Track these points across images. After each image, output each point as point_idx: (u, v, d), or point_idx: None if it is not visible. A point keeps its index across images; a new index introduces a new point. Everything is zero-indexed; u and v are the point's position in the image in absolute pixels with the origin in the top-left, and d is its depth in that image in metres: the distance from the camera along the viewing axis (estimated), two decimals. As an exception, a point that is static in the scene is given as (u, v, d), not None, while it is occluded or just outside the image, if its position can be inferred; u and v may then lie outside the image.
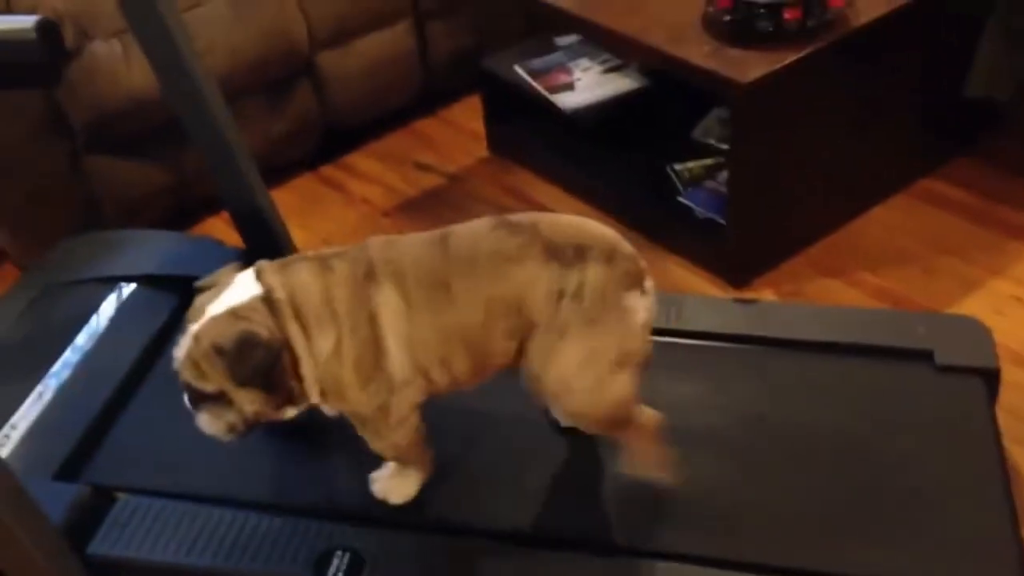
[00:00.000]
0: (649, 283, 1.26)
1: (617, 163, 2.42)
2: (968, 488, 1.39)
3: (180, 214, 2.42)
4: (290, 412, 1.29)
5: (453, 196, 2.50)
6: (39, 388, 1.62)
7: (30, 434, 1.54)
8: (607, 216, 2.35)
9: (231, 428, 1.26)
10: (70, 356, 1.67)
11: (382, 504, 1.41)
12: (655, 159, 2.38)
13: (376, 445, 1.36)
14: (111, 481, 1.46)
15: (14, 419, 1.57)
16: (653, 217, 2.28)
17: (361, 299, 1.22)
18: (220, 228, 2.40)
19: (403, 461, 1.40)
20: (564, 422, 1.45)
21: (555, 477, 1.45)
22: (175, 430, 1.54)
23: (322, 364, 1.23)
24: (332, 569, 1.32)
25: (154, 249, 1.90)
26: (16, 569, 1.27)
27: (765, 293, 2.08)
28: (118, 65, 2.16)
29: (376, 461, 1.42)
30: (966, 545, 1.32)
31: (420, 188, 2.55)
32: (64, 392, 1.61)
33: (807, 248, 2.18)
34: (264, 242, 1.88)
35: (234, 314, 1.19)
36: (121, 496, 1.43)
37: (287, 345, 1.21)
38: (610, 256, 1.22)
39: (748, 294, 2.07)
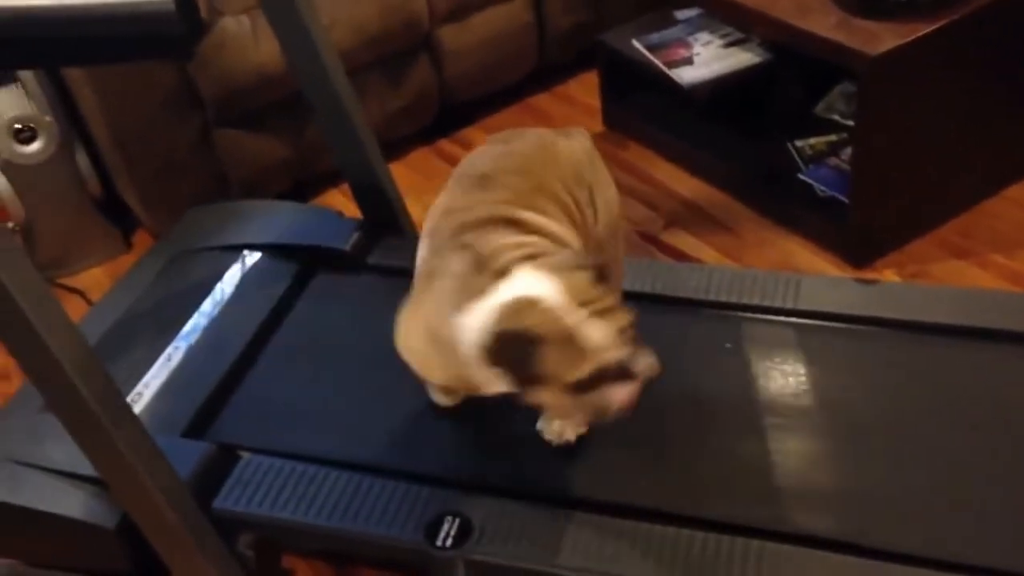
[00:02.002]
0: None
1: (736, 139, 2.37)
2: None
3: (301, 186, 2.49)
4: None
5: (567, 171, 2.49)
6: (169, 350, 1.70)
7: (161, 393, 1.62)
8: (726, 193, 2.31)
9: None
10: (198, 320, 1.75)
11: (492, 472, 1.44)
12: (776, 135, 2.32)
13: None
14: (236, 440, 1.52)
15: (146, 379, 1.65)
16: (773, 195, 2.22)
17: None
18: (339, 200, 2.45)
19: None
20: None
21: (665, 448, 1.44)
22: (296, 393, 1.61)
23: None
24: (442, 534, 1.34)
25: (277, 219, 1.96)
26: (146, 520, 1.35)
27: (888, 274, 2.01)
28: (247, 40, 2.23)
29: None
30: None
31: (535, 163, 2.54)
32: (193, 354, 1.68)
33: (935, 228, 2.09)
34: (382, 214, 1.93)
35: None
36: (245, 455, 1.49)
37: None
38: None
39: (870, 275, 2.00)
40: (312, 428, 1.53)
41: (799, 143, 2.28)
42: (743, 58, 2.35)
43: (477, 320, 1.17)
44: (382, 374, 1.62)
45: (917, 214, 2.09)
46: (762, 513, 1.34)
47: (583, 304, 1.15)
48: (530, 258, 1.21)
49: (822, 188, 2.15)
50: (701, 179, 2.37)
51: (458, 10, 2.51)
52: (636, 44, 2.45)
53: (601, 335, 1.14)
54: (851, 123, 2.14)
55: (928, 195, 2.09)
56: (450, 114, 2.68)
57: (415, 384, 1.61)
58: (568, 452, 1.44)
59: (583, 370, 1.13)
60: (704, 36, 2.43)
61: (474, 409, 1.54)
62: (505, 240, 1.25)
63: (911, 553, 1.26)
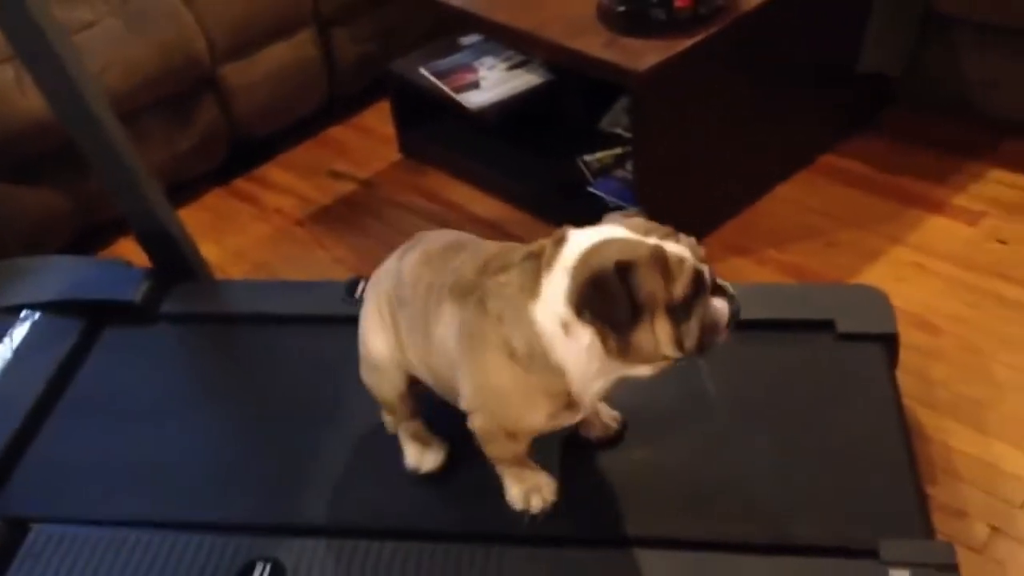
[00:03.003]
0: None
1: (528, 158, 2.44)
2: (869, 449, 1.44)
3: (86, 237, 2.37)
4: None
5: (368, 202, 2.50)
6: (-55, 425, 1.58)
7: (-62, 472, 1.51)
8: (522, 211, 2.37)
9: None
10: (-25, 389, 1.64)
11: (301, 512, 1.42)
12: (565, 152, 2.40)
13: None
14: (24, 512, 1.44)
15: (-80, 458, 1.53)
16: (565, 209, 2.28)
17: None
18: (130, 249, 2.36)
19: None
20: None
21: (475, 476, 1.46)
22: (87, 456, 1.54)
23: None
24: (254, 581, 1.32)
25: (58, 275, 1.86)
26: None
27: (678, 276, 2.11)
28: (11, 89, 2.11)
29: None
30: (871, 504, 1.37)
31: (334, 196, 2.54)
32: (-29, 426, 1.58)
33: (716, 229, 2.22)
34: (172, 260, 1.87)
35: None
36: (35, 526, 1.41)
37: None
38: None
39: (661, 278, 2.09)
40: (108, 489, 1.47)
41: (587, 158, 2.37)
42: (527, 79, 2.42)
43: (560, 284, 1.15)
44: (178, 424, 1.58)
45: (698, 217, 2.20)
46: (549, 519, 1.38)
47: (649, 232, 1.16)
48: None
49: (611, 199, 2.25)
50: (498, 199, 2.42)
51: (240, 47, 2.47)
52: (424, 71, 2.49)
53: (682, 250, 1.15)
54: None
55: (706, 199, 2.21)
56: (245, 152, 2.63)
57: (214, 431, 1.57)
58: (372, 486, 1.44)
59: (683, 282, 1.12)
60: (488, 60, 2.49)
61: (279, 450, 1.52)
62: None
63: (700, 539, 1.33)
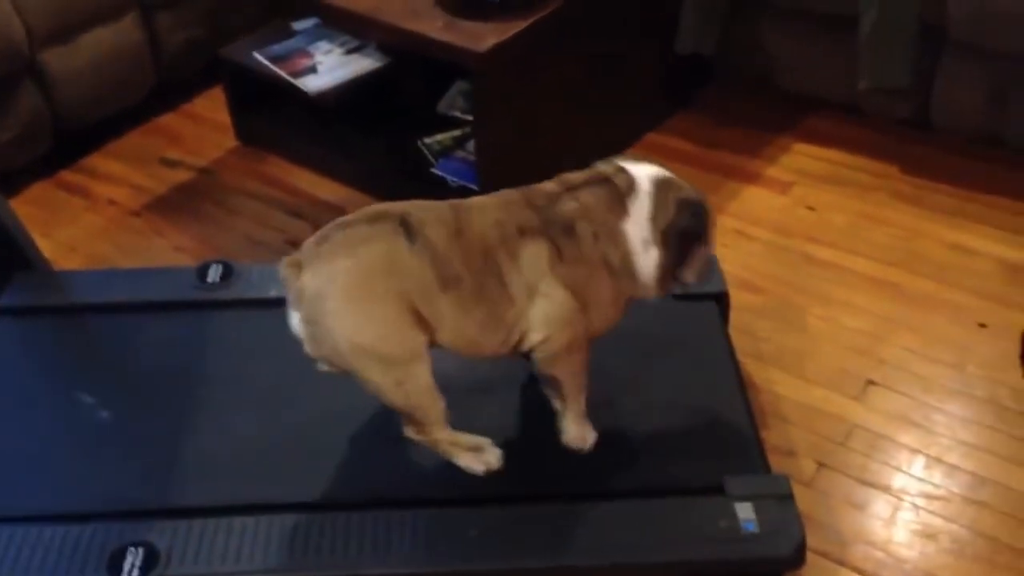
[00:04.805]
0: None
1: (369, 142, 2.47)
2: (710, 398, 1.57)
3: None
4: None
5: (207, 190, 2.46)
6: None
7: None
8: (366, 194, 2.39)
9: None
10: None
11: (171, 493, 1.41)
12: (405, 135, 2.44)
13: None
14: None
15: None
16: (409, 191, 2.31)
17: None
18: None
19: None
20: None
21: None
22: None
23: None
24: (127, 566, 1.30)
25: None
26: None
27: (522, 251, 2.20)
28: None
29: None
30: (715, 448, 1.50)
31: (169, 184, 2.48)
32: None
33: (555, 205, 2.32)
34: (6, 251, 1.80)
35: None
36: None
37: None
38: None
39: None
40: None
41: (428, 140, 2.42)
42: (364, 63, 2.45)
43: (645, 206, 1.37)
44: (32, 417, 1.54)
45: (538, 194, 2.31)
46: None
47: None
48: None
49: (454, 179, 2.31)
50: (341, 183, 2.44)
51: (61, 31, 2.38)
52: (257, 56, 2.47)
53: None
54: (470, 118, 2.31)
55: (545, 175, 2.30)
56: (70, 142, 2.53)
57: (69, 421, 1.54)
58: (237, 462, 1.45)
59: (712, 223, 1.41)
60: (324, 45, 2.50)
61: (140, 435, 1.51)
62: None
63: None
